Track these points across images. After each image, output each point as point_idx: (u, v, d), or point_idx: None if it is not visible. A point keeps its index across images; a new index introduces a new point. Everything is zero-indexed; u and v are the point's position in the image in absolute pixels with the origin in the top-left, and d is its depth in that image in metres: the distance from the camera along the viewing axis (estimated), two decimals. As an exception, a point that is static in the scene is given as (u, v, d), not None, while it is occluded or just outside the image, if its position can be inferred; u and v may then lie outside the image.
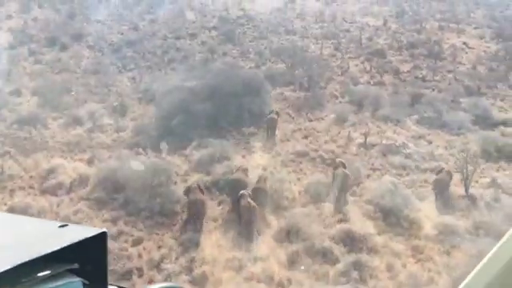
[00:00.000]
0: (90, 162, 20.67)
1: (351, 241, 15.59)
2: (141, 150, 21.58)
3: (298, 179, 19.20)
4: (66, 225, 1.23)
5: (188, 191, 17.47)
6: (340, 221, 16.53)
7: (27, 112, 25.32)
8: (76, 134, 23.39)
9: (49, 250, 1.09)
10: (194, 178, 18.67)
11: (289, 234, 15.79)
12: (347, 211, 17.01)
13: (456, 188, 18.47)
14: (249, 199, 17.00)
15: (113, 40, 37.69)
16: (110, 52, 35.48)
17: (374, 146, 21.73)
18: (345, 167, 18.38)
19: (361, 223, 16.38)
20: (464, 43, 38.25)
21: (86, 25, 41.92)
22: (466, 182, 18.40)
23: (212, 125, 23.34)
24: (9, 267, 1.03)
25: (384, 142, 21.72)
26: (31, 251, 1.08)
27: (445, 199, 17.86)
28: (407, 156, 20.90)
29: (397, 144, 21.73)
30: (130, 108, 26.39)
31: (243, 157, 20.75)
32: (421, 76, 31.65)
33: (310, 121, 24.88)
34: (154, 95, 27.78)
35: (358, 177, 19.03)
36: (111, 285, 1.23)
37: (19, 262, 1.04)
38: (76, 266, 1.15)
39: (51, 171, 19.42)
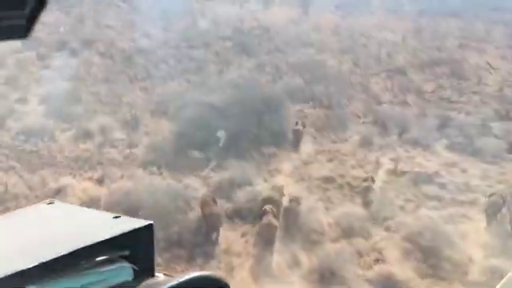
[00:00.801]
0: (100, 182, 19.07)
1: (392, 286, 14.00)
2: (155, 169, 20.02)
3: (327, 209, 17.59)
4: (119, 216, 1.39)
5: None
6: (377, 260, 14.95)
7: (34, 122, 23.77)
8: (85, 148, 21.81)
9: (105, 237, 1.23)
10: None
11: (322, 277, 14.18)
12: (383, 249, 15.41)
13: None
14: (270, 217, 15.62)
15: (124, 47, 36.21)
16: (121, 60, 34.00)
17: (404, 173, 20.16)
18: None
19: (400, 264, 14.78)
20: (487, 63, 36.76)
21: (97, 30, 40.50)
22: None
23: (230, 143, 21.79)
24: (71, 251, 1.20)
25: (416, 169, 20.16)
26: (90, 238, 1.24)
27: (491, 234, 16.30)
28: (441, 186, 19.30)
29: (429, 172, 20.16)
30: (142, 121, 24.85)
31: (265, 181, 19.18)
32: (446, 97, 30.11)
33: (334, 142, 23.33)
34: (167, 108, 26.25)
35: (392, 209, 17.44)
36: (158, 271, 1.33)
37: (80, 247, 1.21)
38: (127, 253, 1.29)
39: (59, 191, 17.85)
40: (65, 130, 23.71)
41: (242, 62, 34.79)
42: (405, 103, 28.79)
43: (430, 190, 18.92)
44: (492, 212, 17.19)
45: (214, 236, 15.65)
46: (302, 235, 15.75)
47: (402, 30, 45.69)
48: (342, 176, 19.76)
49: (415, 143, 22.83)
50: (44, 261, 1.19)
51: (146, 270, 1.34)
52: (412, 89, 30.90)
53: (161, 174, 19.86)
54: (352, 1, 55.33)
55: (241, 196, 17.28)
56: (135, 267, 1.30)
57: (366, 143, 22.90)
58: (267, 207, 16.12)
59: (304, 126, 24.05)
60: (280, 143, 22.82)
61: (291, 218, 16.23)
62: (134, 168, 20.11)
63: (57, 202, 1.65)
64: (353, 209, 17.19)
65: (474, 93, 30.72)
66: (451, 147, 22.95)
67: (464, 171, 20.74)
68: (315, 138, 23.76)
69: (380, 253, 15.21)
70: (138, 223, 1.35)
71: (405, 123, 24.96)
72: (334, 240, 15.68)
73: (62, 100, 26.01)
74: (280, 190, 17.92)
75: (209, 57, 35.61)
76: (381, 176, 19.59)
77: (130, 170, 19.89)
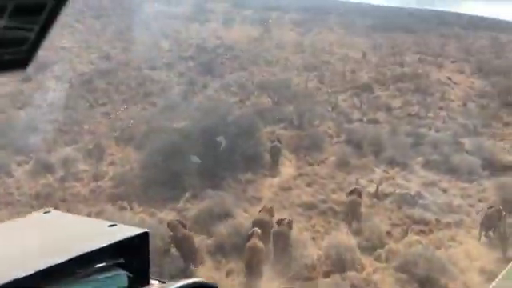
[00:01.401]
0: (65, 221, 17.29)
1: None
2: (125, 203, 18.40)
3: (313, 239, 16.52)
4: (115, 224, 1.37)
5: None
6: (375, 296, 13.98)
7: (-15, 156, 21.63)
8: (46, 183, 19.90)
9: (100, 246, 1.22)
10: (196, 241, 15.62)
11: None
12: (378, 281, 14.44)
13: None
14: (256, 240, 14.70)
15: (82, 70, 34.28)
16: (79, 84, 32.08)
17: (387, 195, 19.41)
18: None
19: (398, 299, 13.88)
20: (448, 78, 37.13)
21: (51, 52, 38.33)
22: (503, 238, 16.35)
23: (204, 171, 20.41)
24: (67, 259, 1.20)
25: (397, 191, 19.45)
26: (86, 246, 1.22)
27: (483, 257, 15.67)
28: (425, 208, 18.63)
29: (411, 193, 19.49)
30: (107, 150, 23.13)
31: (245, 211, 17.93)
32: (414, 113, 29.87)
33: (311, 164, 22.38)
34: (132, 135, 24.64)
35: (380, 236, 16.56)
36: (152, 279, 1.31)
37: (76, 255, 1.20)
38: (122, 260, 1.27)
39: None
40: (21, 164, 21.70)
41: (206, 82, 33.56)
42: (375, 121, 28.32)
43: (415, 212, 18.21)
44: (488, 226, 16.73)
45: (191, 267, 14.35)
46: (293, 271, 14.63)
47: (362, 47, 45.77)
48: (323, 201, 18.78)
49: (392, 162, 22.22)
50: (40, 269, 1.20)
51: (140, 277, 1.30)
52: (380, 105, 30.54)
53: (131, 208, 18.26)
54: (309, 18, 55.53)
55: (222, 230, 15.94)
56: (130, 275, 1.26)
57: (343, 164, 22.09)
58: (255, 230, 15.23)
59: (280, 142, 23.32)
60: (256, 168, 21.67)
61: (280, 245, 15.19)
62: (102, 203, 18.40)
63: (53, 211, 1.69)
64: (340, 238, 16.21)
65: (440, 108, 30.66)
66: (427, 165, 22.47)
67: (444, 191, 20.21)
68: (290, 160, 22.77)
69: (376, 286, 14.25)
70: (133, 231, 1.31)
71: (378, 142, 24.36)
72: (326, 274, 14.62)
73: (16, 130, 23.93)
74: (270, 211, 16.85)
75: (172, 78, 34.18)
76: (364, 200, 18.74)
77: (98, 205, 18.16)
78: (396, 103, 31.29)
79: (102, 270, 1.27)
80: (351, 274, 14.47)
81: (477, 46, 47.69)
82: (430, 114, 29.60)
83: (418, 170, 22.01)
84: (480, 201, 19.64)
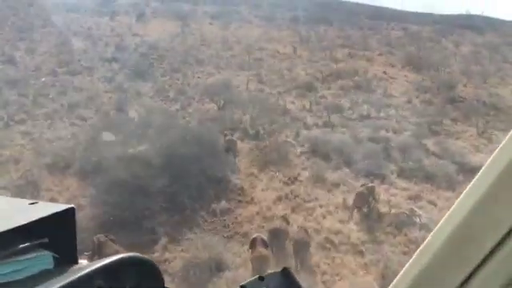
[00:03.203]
0: None
1: None
2: (85, 253, 14.46)
3: (324, 283, 14.04)
4: (36, 202, 1.24)
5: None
6: None
7: None
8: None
9: (18, 224, 1.11)
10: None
11: None
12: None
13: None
14: (261, 247, 13.64)
15: (-16, 79, 28.39)
16: (-16, 96, 26.37)
17: (381, 216, 17.46)
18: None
19: None
20: (384, 72, 36.53)
21: None
22: None
23: (174, 206, 16.94)
24: None
25: (393, 210, 17.58)
26: (3, 225, 1.09)
27: None
28: (424, 228, 16.97)
29: (403, 210, 17.73)
30: (42, 183, 18.58)
31: (237, 255, 14.86)
32: (365, 113, 28.48)
33: (286, 183, 19.72)
34: (68, 161, 20.21)
35: (394, 271, 14.54)
36: (81, 258, 1.23)
37: None
38: (46, 240, 1.17)
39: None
40: None
41: (138, 87, 29.44)
42: (331, 125, 26.44)
43: (418, 235, 16.43)
44: None
45: None
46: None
47: (289, 41, 43.91)
48: (317, 232, 16.30)
49: (369, 175, 20.34)
50: None
51: (68, 256, 1.19)
52: (329, 106, 28.65)
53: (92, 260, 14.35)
54: (223, 10, 52.57)
55: (222, 288, 12.85)
56: (55, 255, 1.16)
57: (319, 180, 19.76)
58: (257, 236, 14.21)
59: (232, 135, 22.30)
60: (226, 192, 18.60)
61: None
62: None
63: None
64: (354, 280, 13.95)
65: (388, 106, 29.65)
66: (403, 174, 20.91)
67: (432, 203, 18.75)
68: (262, 180, 19.96)
69: None
70: (57, 207, 1.20)
71: (346, 150, 22.36)
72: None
73: None
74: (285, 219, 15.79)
75: (97, 84, 29.53)
76: (360, 225, 16.63)
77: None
78: (344, 103, 29.70)
79: (23, 251, 1.13)
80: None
81: (394, 38, 48.03)
82: (382, 114, 28.41)
83: (397, 181, 20.38)
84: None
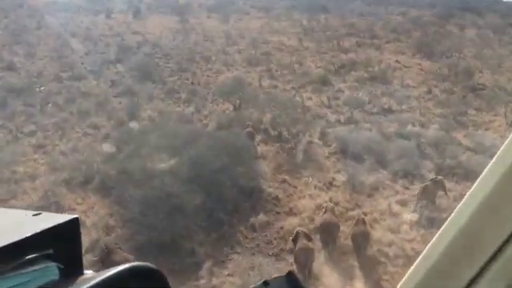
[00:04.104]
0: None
1: None
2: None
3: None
4: (40, 213, 1.24)
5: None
6: None
7: None
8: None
9: (22, 237, 1.11)
10: None
11: None
12: None
13: None
14: (305, 241, 13.79)
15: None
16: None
17: (430, 222, 16.28)
18: None
19: None
20: (396, 61, 35.31)
21: None
22: None
23: (210, 222, 15.67)
24: None
25: (443, 215, 16.44)
26: (6, 238, 1.09)
27: None
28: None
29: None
30: (64, 203, 17.17)
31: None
32: (386, 106, 27.30)
33: (321, 189, 18.46)
34: (87, 175, 18.79)
35: None
36: (86, 269, 1.21)
37: None
38: (50, 251, 1.15)
39: None
40: None
41: (148, 90, 27.91)
42: (354, 121, 25.21)
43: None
44: None
45: None
46: None
47: (292, 32, 42.45)
48: (382, 254, 14.87)
49: (407, 175, 19.18)
50: None
51: (73, 267, 1.16)
52: (348, 101, 27.38)
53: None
54: (219, 2, 50.95)
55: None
56: (61, 266, 1.12)
57: (358, 185, 18.58)
58: (299, 230, 14.36)
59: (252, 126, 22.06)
60: (261, 203, 17.36)
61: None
62: None
63: None
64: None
65: (408, 97, 28.45)
66: (441, 174, 19.60)
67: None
68: (296, 187, 18.70)
69: None
70: (61, 218, 1.16)
71: (376, 149, 21.19)
72: None
73: None
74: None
75: (105, 88, 27.98)
76: (414, 238, 15.44)
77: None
78: (362, 96, 28.38)
79: (28, 263, 1.09)
80: None
81: (396, 24, 46.66)
82: (404, 107, 27.24)
83: (446, 184, 19.12)
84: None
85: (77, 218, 1.22)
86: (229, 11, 47.85)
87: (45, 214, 1.24)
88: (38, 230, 1.13)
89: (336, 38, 40.36)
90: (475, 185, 1.06)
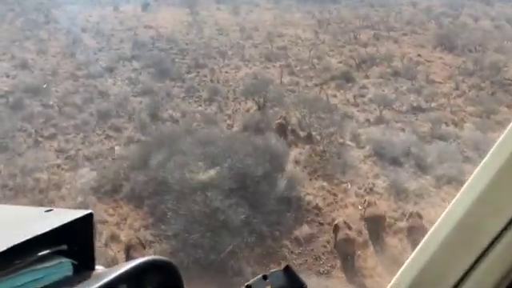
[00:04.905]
0: None
1: None
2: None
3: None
4: (52, 209, 1.22)
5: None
6: None
7: None
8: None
9: (36, 233, 1.09)
10: None
11: None
12: None
13: None
14: (346, 230, 14.31)
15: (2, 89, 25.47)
16: (2, 110, 23.54)
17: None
18: None
19: None
20: (418, 55, 34.17)
21: None
22: None
23: (252, 236, 14.66)
24: (1, 250, 1.06)
25: None
26: (20, 235, 1.09)
27: None
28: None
29: None
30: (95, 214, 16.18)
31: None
32: (414, 104, 26.19)
33: (363, 197, 17.49)
34: (114, 183, 17.73)
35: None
36: (97, 264, 1.21)
37: (12, 244, 1.06)
38: (64, 247, 1.15)
39: None
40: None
41: (167, 88, 26.75)
42: (384, 120, 24.17)
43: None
44: None
45: None
46: None
47: (306, 24, 41.25)
48: None
49: (451, 180, 18.15)
50: None
51: (86, 264, 1.18)
52: (374, 98, 26.29)
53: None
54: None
55: None
56: (75, 262, 1.15)
57: (399, 191, 17.59)
58: (339, 221, 14.88)
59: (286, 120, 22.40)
60: (303, 212, 16.35)
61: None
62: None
63: None
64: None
65: (436, 94, 27.39)
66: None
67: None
68: (335, 194, 17.68)
69: None
70: (75, 214, 1.17)
71: (413, 151, 20.25)
72: None
73: None
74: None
75: (123, 87, 26.79)
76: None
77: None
78: (389, 94, 27.33)
79: (43, 259, 1.12)
80: None
81: (409, 15, 45.44)
82: (433, 104, 26.18)
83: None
84: None
85: (91, 214, 1.20)
86: (238, 2, 46.49)
87: (57, 210, 1.21)
88: (52, 227, 1.11)
89: (352, 30, 39.18)
90: (471, 178, 1.08)
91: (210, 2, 47.60)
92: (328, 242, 15.06)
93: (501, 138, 1.06)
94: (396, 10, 47.01)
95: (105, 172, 18.33)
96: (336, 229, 14.59)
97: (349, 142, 21.67)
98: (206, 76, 29.21)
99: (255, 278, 1.22)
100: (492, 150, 1.05)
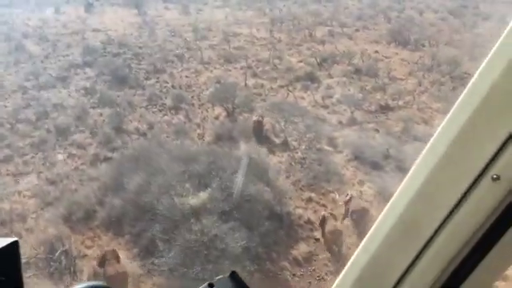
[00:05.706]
0: None
1: None
2: None
3: None
4: None
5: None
6: None
7: None
8: None
9: None
10: None
11: None
12: None
13: None
14: (333, 222, 14.68)
15: None
16: None
17: None
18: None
19: None
20: (376, 51, 34.21)
21: None
22: None
23: (248, 258, 13.62)
24: None
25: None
26: None
27: None
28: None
29: None
30: (72, 247, 14.40)
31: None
32: (383, 104, 26.06)
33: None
34: (87, 208, 16.08)
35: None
36: None
37: None
38: None
39: None
40: None
41: (127, 97, 24.97)
42: (356, 121, 23.80)
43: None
44: None
45: None
46: None
47: (259, 23, 40.17)
48: None
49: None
50: None
51: None
52: (343, 100, 25.84)
53: None
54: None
55: None
56: None
57: (388, 198, 17.16)
58: (325, 213, 15.26)
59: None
60: (295, 228, 15.51)
61: None
62: None
63: None
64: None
65: (400, 92, 27.39)
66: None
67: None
68: (325, 205, 16.96)
69: None
70: (1, 242, 1.15)
71: (393, 154, 19.97)
72: None
73: None
74: None
75: (79, 98, 24.70)
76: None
77: None
78: (355, 93, 27.01)
79: None
80: None
81: (356, 10, 45.75)
82: (400, 103, 26.15)
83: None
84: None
85: (16, 241, 1.17)
86: (185, 1, 44.83)
87: None
88: None
89: (305, 27, 38.67)
90: (409, 175, 1.07)
91: (157, 1, 45.61)
92: (329, 261, 14.30)
93: (435, 135, 1.04)
94: (343, 5, 47.11)
95: (74, 197, 16.56)
96: (323, 221, 15.04)
97: (326, 147, 21.03)
98: (166, 82, 27.61)
99: (201, 287, 1.16)
100: (427, 148, 1.03)
